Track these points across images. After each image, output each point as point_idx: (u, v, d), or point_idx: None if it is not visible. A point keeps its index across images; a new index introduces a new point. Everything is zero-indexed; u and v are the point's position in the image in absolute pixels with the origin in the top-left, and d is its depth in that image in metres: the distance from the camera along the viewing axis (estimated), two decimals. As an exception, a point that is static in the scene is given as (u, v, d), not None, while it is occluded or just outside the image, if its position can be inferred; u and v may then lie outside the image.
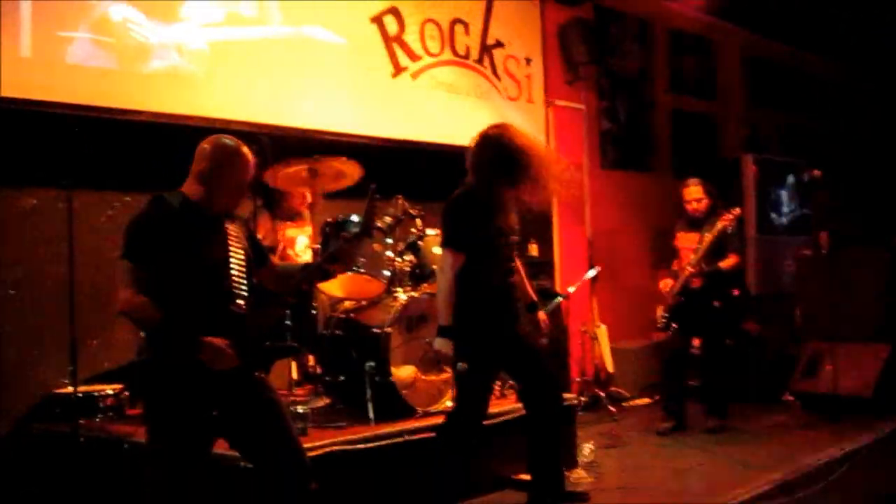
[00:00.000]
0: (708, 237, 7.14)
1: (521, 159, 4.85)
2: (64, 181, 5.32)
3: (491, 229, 4.90)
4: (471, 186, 4.92)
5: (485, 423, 5.12)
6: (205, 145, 3.84)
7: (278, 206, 6.55)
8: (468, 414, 4.98)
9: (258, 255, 4.04)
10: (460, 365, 4.70)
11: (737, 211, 7.17)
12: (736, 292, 8.46)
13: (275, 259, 4.18)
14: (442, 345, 4.77)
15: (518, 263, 5.24)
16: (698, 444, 7.02)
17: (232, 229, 3.87)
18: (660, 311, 7.44)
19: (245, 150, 3.87)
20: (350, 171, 5.88)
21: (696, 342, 7.68)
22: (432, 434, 5.22)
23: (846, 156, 13.20)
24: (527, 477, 5.27)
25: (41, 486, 5.41)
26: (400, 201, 6.23)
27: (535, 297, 5.44)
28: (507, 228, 5.00)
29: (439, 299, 4.84)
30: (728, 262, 7.26)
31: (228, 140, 3.87)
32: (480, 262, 4.85)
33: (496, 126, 5.03)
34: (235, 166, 3.81)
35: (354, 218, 5.70)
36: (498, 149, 4.87)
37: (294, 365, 5.75)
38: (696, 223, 7.39)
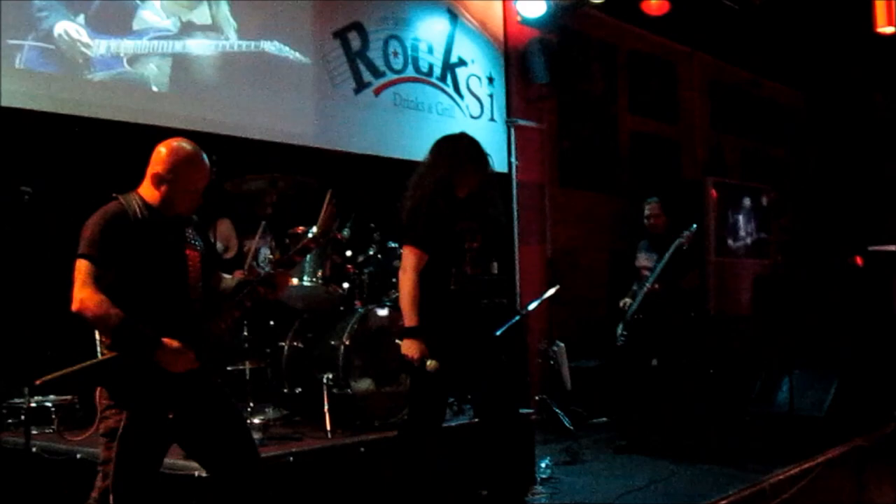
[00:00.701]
0: (666, 255, 7.20)
1: (484, 155, 4.94)
2: (22, 189, 5.30)
3: (457, 230, 4.87)
4: (435, 189, 4.86)
5: (441, 437, 5.10)
6: (161, 148, 3.79)
7: (241, 218, 6.52)
8: (423, 425, 4.90)
9: (212, 261, 4.02)
10: (430, 363, 4.60)
11: (693, 228, 7.24)
12: (693, 312, 8.53)
13: (220, 275, 4.13)
14: (408, 347, 4.67)
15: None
16: (655, 461, 7.03)
17: (189, 233, 3.85)
18: (619, 330, 7.47)
19: (202, 154, 3.84)
20: (310, 184, 5.87)
21: (653, 361, 7.70)
22: (388, 447, 5.19)
23: (805, 181, 13.38)
24: (484, 492, 5.26)
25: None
26: (359, 214, 6.25)
27: None
28: (472, 232, 4.96)
29: (403, 300, 4.72)
30: (687, 281, 7.32)
31: (185, 143, 3.83)
32: (446, 264, 4.81)
33: (455, 133, 5.11)
34: (192, 171, 3.77)
35: (315, 230, 5.69)
36: (466, 144, 4.92)
37: (251, 376, 5.71)
38: (656, 244, 7.44)
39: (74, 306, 3.55)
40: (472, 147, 4.96)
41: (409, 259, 4.75)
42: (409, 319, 4.70)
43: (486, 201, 5.03)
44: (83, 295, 3.53)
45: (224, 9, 6.96)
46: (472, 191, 4.94)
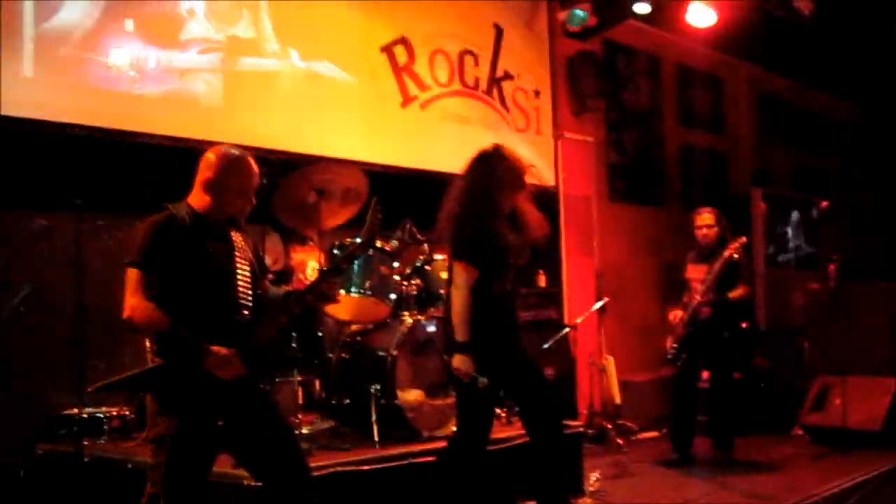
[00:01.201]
0: (716, 266, 7.13)
1: (520, 166, 4.93)
2: (75, 202, 5.38)
3: (503, 245, 4.88)
4: (479, 203, 4.91)
5: (492, 448, 5.10)
6: (209, 154, 3.87)
7: (288, 230, 6.57)
8: (472, 437, 4.94)
9: (260, 270, 4.05)
10: (482, 380, 4.62)
11: (742, 239, 7.18)
12: (745, 325, 8.45)
13: (267, 284, 4.16)
14: (461, 362, 4.68)
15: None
16: (705, 475, 6.99)
17: (238, 240, 3.88)
18: (669, 343, 7.41)
19: (250, 158, 3.90)
20: (357, 186, 5.88)
21: (704, 375, 7.64)
22: (436, 458, 5.19)
23: (854, 193, 13.23)
24: (533, 503, 5.24)
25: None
26: (407, 226, 6.27)
27: None
28: (514, 247, 4.97)
29: (456, 315, 4.75)
30: (737, 292, 7.24)
31: (233, 149, 3.91)
32: (493, 279, 4.82)
33: (491, 145, 5.09)
34: (241, 174, 3.84)
35: (360, 238, 5.71)
36: (500, 156, 4.93)
37: (300, 388, 5.74)
38: (706, 255, 7.37)
39: (125, 313, 3.62)
40: (507, 159, 4.96)
41: (461, 275, 4.78)
42: (461, 335, 4.73)
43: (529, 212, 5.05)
44: (133, 302, 3.59)
45: (267, 24, 7.01)
46: (516, 202, 4.96)
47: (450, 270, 4.94)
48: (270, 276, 5.79)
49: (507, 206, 4.93)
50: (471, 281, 4.76)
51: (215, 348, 3.57)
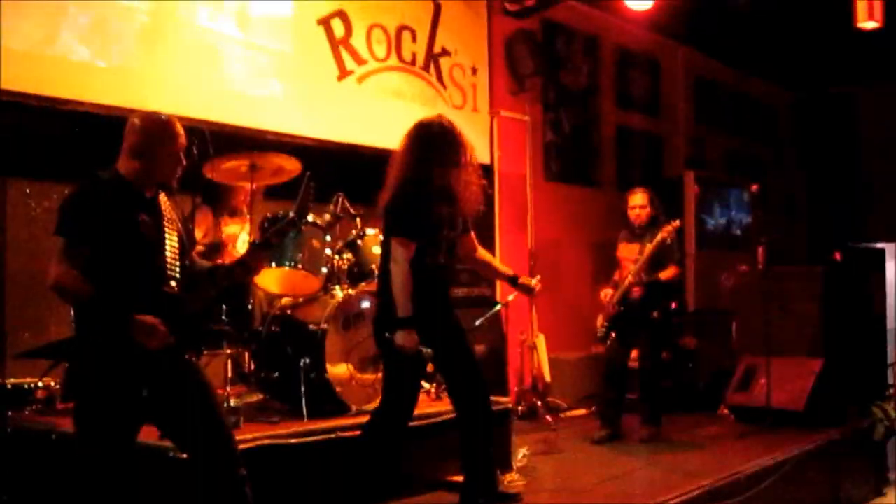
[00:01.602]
0: (649, 247, 7.19)
1: (461, 141, 4.91)
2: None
3: (437, 218, 4.88)
4: (414, 177, 4.90)
5: (420, 423, 5.12)
6: (134, 119, 3.84)
7: (219, 203, 6.52)
8: (396, 412, 4.94)
9: (189, 240, 4.02)
10: (427, 351, 4.66)
11: (676, 223, 7.24)
12: (674, 305, 8.54)
13: (195, 255, 4.13)
14: (404, 338, 4.67)
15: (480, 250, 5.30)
16: (632, 452, 7.06)
17: (167, 209, 3.85)
18: (600, 322, 7.47)
19: (175, 121, 3.88)
20: (290, 167, 5.86)
21: (633, 353, 7.71)
22: (360, 431, 5.19)
23: (786, 177, 13.44)
24: (460, 478, 5.26)
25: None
26: (340, 199, 6.24)
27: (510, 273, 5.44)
28: (450, 220, 4.97)
29: (397, 290, 4.71)
30: (668, 273, 7.31)
31: (158, 113, 3.89)
32: (426, 252, 4.82)
33: (431, 116, 5.09)
34: (167, 138, 3.82)
35: (292, 213, 5.68)
36: (441, 130, 4.91)
37: (229, 362, 5.70)
38: (638, 235, 7.43)
39: (49, 283, 3.57)
40: (448, 134, 4.94)
41: (399, 251, 4.75)
42: (403, 310, 4.70)
43: (465, 187, 5.02)
44: (57, 271, 3.56)
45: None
46: (451, 177, 4.94)
47: (384, 245, 4.92)
48: (201, 248, 5.80)
49: (444, 178, 4.91)
50: (409, 255, 4.75)
51: (141, 317, 3.53)
